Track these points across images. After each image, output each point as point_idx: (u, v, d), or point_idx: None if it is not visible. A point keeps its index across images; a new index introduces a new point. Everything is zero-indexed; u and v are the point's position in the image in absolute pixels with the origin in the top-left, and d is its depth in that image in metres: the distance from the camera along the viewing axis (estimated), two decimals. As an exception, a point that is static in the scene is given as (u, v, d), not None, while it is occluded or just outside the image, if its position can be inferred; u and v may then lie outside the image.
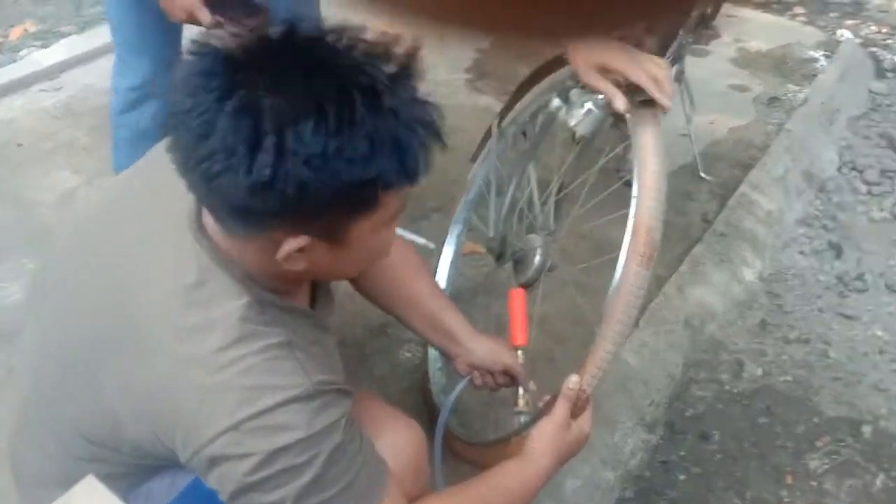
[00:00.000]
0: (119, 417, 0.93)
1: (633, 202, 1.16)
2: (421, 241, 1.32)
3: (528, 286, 1.46)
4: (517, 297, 1.38)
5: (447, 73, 2.87)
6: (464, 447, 1.48)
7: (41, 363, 1.03)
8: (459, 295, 1.92)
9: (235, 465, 0.87)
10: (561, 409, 1.14)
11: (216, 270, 0.90)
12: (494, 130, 1.67)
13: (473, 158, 1.81)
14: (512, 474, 1.09)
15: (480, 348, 1.31)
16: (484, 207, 1.70)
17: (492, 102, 2.69)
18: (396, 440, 1.11)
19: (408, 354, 1.84)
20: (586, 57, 1.23)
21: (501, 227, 1.54)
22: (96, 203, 1.09)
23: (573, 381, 1.15)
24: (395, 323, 1.48)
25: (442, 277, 1.81)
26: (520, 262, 1.48)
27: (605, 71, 1.21)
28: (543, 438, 1.12)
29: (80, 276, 1.00)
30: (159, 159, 0.90)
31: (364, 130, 0.79)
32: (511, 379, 1.34)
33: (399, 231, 1.23)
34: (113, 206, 1.05)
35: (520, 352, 1.34)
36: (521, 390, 1.33)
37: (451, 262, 1.82)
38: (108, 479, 0.93)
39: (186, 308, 0.90)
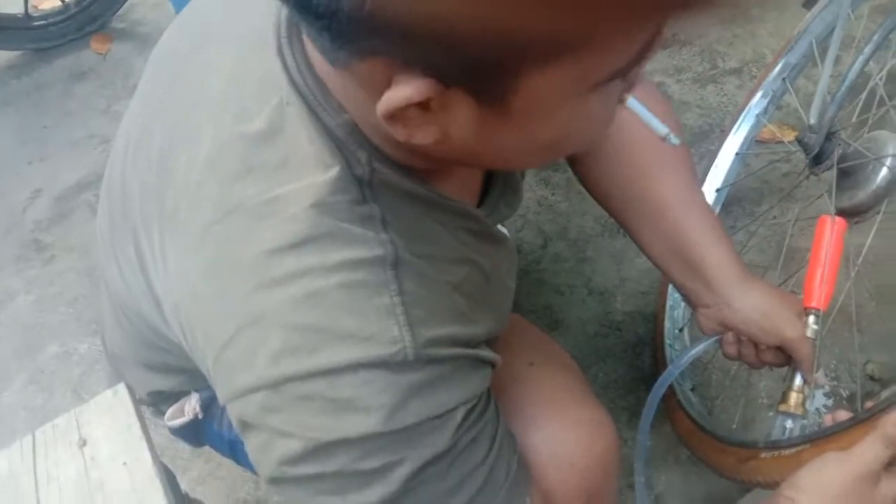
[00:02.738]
0: (160, 304, 0.62)
1: None
2: (664, 132, 0.76)
3: (853, 216, 0.89)
4: (832, 229, 0.82)
5: None
6: (689, 427, 1.01)
7: (100, 220, 0.75)
8: (737, 202, 1.37)
9: (271, 441, 0.53)
10: (869, 450, 0.63)
11: (302, 114, 0.50)
12: (853, -41, 1.06)
13: (809, 2, 1.21)
14: None
15: (748, 304, 0.80)
16: (809, 79, 1.09)
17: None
18: (565, 436, 0.69)
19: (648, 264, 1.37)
20: None
21: (831, 113, 0.94)
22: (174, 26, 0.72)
23: None
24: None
25: (719, 172, 1.26)
26: (849, 175, 0.90)
27: None
28: (817, 491, 0.63)
29: (146, 123, 0.66)
30: None
31: None
32: (786, 358, 0.83)
33: (633, 104, 0.72)
34: (186, 28, 0.68)
35: (812, 318, 0.80)
36: (797, 380, 0.82)
37: (738, 153, 1.27)
38: (183, 374, 0.75)
39: (240, 172, 0.52)
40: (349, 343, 0.50)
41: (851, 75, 1.00)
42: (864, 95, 1.02)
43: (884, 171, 0.86)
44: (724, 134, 1.30)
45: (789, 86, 1.21)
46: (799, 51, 1.20)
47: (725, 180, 1.28)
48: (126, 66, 2.00)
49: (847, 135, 0.92)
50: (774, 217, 1.37)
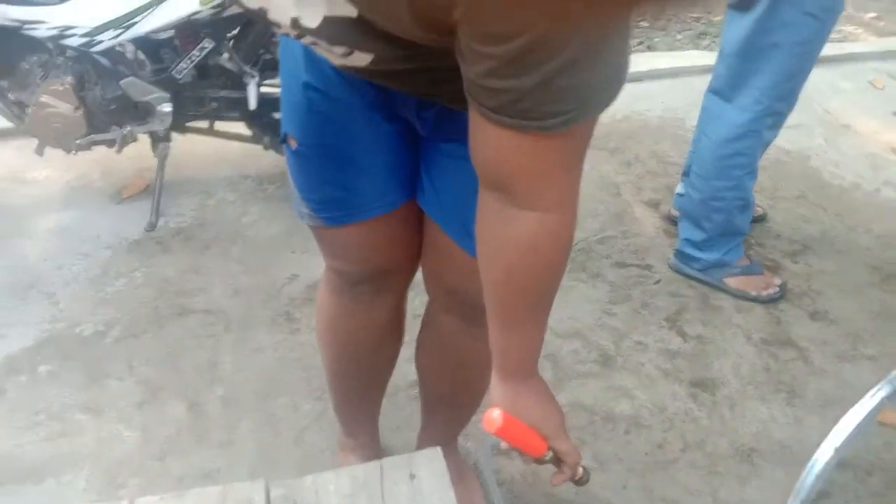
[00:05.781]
0: None
1: None
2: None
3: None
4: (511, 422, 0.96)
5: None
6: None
7: None
8: (850, 466, 1.64)
9: None
10: None
11: None
12: None
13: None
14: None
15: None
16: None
17: None
18: None
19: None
20: None
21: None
22: None
23: None
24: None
25: (841, 433, 1.55)
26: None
27: None
28: None
29: None
30: None
31: None
32: None
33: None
34: None
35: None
36: None
37: (859, 424, 1.55)
38: None
39: None
40: None
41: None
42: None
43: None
44: (853, 404, 1.59)
45: (916, 389, 1.50)
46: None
47: (844, 443, 1.56)
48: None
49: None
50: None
